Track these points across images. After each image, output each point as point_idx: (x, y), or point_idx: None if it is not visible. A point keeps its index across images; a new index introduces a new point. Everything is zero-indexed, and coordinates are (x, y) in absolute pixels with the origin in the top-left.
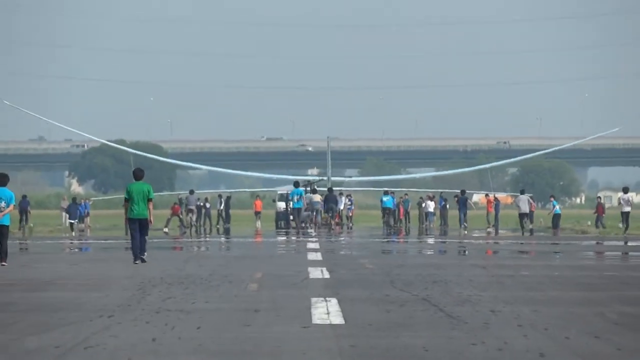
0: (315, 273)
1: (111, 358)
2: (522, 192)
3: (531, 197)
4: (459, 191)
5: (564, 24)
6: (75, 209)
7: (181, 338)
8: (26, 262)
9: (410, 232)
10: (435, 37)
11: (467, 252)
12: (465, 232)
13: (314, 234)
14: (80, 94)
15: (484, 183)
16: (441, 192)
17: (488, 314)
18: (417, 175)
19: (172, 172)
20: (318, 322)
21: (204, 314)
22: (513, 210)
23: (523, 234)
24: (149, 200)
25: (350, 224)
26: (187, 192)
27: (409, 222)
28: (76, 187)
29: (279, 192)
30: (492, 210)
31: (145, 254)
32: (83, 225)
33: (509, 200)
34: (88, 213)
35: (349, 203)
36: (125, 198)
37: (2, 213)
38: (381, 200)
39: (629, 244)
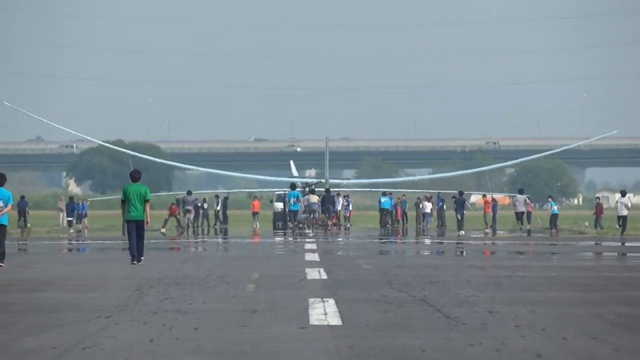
0: (313, 274)
1: (109, 358)
2: (521, 192)
3: (529, 198)
4: (456, 192)
5: (564, 24)
6: (72, 208)
7: (179, 339)
8: (24, 262)
9: (408, 232)
10: (434, 38)
11: (464, 252)
12: (462, 232)
13: (311, 235)
14: (78, 94)
15: (481, 184)
16: (438, 193)
17: (486, 314)
18: (416, 178)
19: (170, 173)
20: (315, 322)
21: (201, 315)
22: (511, 211)
23: (521, 229)
24: (146, 201)
25: (348, 225)
26: (185, 192)
27: (406, 222)
28: (74, 188)
29: (276, 193)
30: (490, 211)
31: (142, 258)
32: (80, 226)
33: (507, 200)
34: (86, 214)
35: (346, 204)
36: (122, 199)
37: (0, 213)
38: (379, 201)
39: (626, 244)
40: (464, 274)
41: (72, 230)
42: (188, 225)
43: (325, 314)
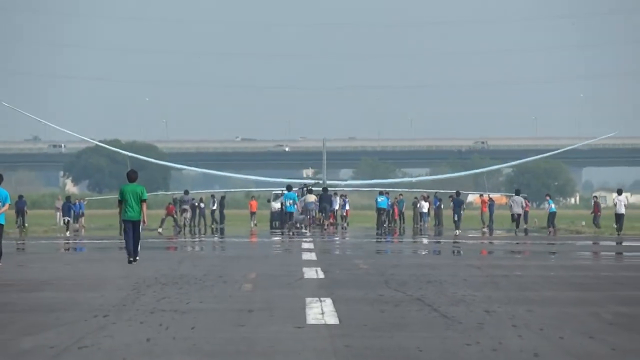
0: (310, 273)
1: (106, 358)
2: (517, 193)
3: (526, 198)
4: (453, 192)
5: (561, 23)
6: (69, 207)
7: (175, 338)
8: (22, 262)
9: (405, 232)
10: (432, 37)
11: (461, 252)
12: (459, 232)
13: (308, 234)
14: (76, 93)
15: (479, 183)
16: (435, 193)
17: (482, 314)
18: (415, 179)
19: (167, 172)
20: (312, 322)
21: (198, 314)
22: (507, 211)
23: (516, 233)
24: (143, 201)
25: (345, 224)
26: (182, 192)
27: (403, 222)
28: (71, 187)
29: (273, 192)
30: (487, 211)
31: (138, 258)
32: (78, 225)
33: (504, 200)
34: (83, 213)
35: (343, 203)
36: (119, 200)
37: None
38: (376, 201)
39: (623, 244)
40: (461, 274)
41: (68, 233)
42: (185, 225)
43: (323, 313)
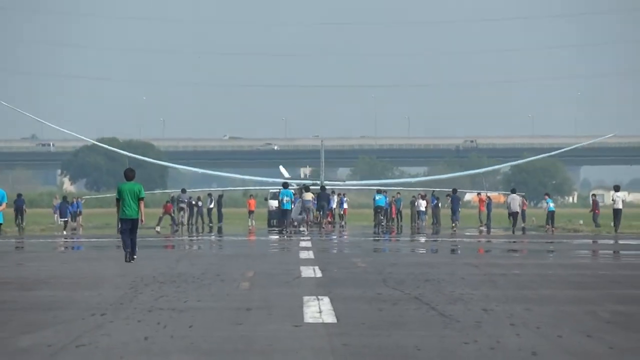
0: (308, 272)
1: (103, 357)
2: (513, 191)
3: (523, 197)
4: (450, 190)
5: (560, 23)
6: (66, 208)
7: (173, 337)
8: (20, 260)
9: (403, 230)
10: (429, 36)
11: (459, 250)
12: (456, 230)
13: (306, 233)
14: (74, 92)
15: (476, 182)
16: (433, 191)
17: (480, 312)
18: (414, 180)
19: (164, 171)
20: (310, 320)
21: (196, 313)
22: (505, 210)
23: (514, 232)
24: (140, 199)
25: (343, 223)
26: (179, 190)
27: (401, 220)
28: (68, 186)
29: (270, 191)
30: (484, 209)
31: (135, 256)
32: (75, 224)
33: (501, 199)
34: (80, 212)
35: (340, 201)
36: (117, 198)
37: None
38: (374, 199)
39: (621, 242)
40: (459, 272)
41: (65, 232)
42: (182, 223)
43: (320, 312)
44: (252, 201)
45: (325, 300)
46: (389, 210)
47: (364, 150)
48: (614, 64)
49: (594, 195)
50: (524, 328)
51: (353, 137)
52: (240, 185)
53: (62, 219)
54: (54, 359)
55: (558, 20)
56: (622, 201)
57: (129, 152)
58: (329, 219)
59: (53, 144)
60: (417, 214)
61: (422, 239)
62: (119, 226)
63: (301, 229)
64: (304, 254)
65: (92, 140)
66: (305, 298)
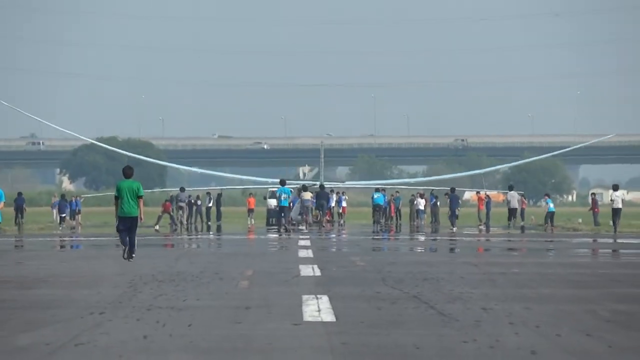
0: (307, 270)
1: (102, 355)
2: (511, 188)
3: (522, 195)
4: (449, 189)
5: (561, 22)
6: (64, 205)
7: (172, 335)
8: (19, 259)
9: (402, 229)
10: (428, 35)
11: (458, 249)
12: (455, 228)
13: (305, 231)
14: (73, 90)
15: (475, 180)
16: (432, 190)
17: (479, 311)
18: (413, 180)
19: (163, 169)
20: (309, 319)
21: (194, 311)
22: (504, 208)
23: (509, 225)
24: (139, 197)
25: (342, 221)
26: (178, 189)
27: (400, 219)
28: (67, 185)
29: (269, 190)
30: (484, 208)
31: (134, 255)
32: (74, 223)
33: (500, 197)
34: (79, 210)
35: (339, 199)
36: (115, 196)
37: None
38: (372, 197)
39: (620, 241)
40: (458, 271)
41: (61, 228)
42: (181, 222)
43: (319, 310)
44: (252, 199)
45: (324, 299)
46: (387, 209)
47: (363, 149)
48: (613, 63)
49: (593, 194)
50: (523, 327)
51: (352, 136)
52: (239, 185)
53: (60, 215)
54: (52, 357)
55: (558, 19)
56: (622, 200)
57: (128, 150)
58: (328, 218)
59: (43, 142)
60: (416, 213)
61: (421, 238)
62: (118, 224)
63: (300, 227)
64: (303, 253)
65: (90, 140)
66: (304, 297)
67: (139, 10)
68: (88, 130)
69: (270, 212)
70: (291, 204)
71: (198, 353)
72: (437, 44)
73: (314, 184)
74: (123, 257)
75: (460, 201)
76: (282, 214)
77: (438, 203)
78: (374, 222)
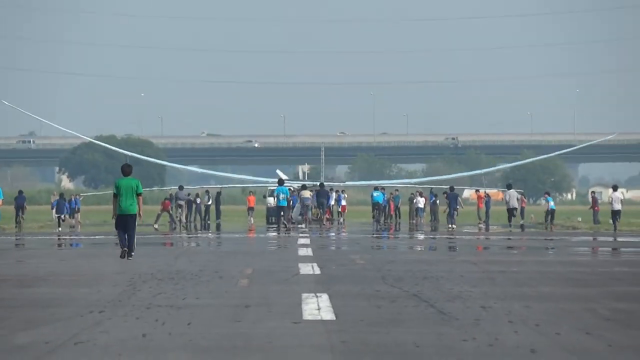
0: (306, 269)
1: (101, 354)
2: (509, 187)
3: (522, 194)
4: (448, 187)
5: (559, 21)
6: (63, 204)
7: (171, 334)
8: (18, 257)
9: (401, 228)
10: (428, 33)
11: (457, 248)
12: (453, 227)
13: (304, 230)
14: (73, 89)
15: (474, 179)
16: (431, 188)
17: (479, 310)
18: (413, 180)
19: (162, 168)
20: (309, 317)
21: (194, 310)
22: (504, 207)
23: (510, 225)
24: (138, 195)
25: (341, 219)
26: (177, 187)
27: (399, 217)
28: (66, 183)
29: (269, 188)
30: (483, 206)
31: (133, 253)
32: (73, 221)
33: (500, 196)
34: (79, 209)
35: (338, 198)
36: (114, 194)
37: None
38: (371, 196)
39: (620, 240)
40: (457, 269)
41: (60, 229)
42: (180, 221)
43: (319, 309)
44: (252, 197)
45: (324, 297)
46: (387, 207)
47: (361, 148)
48: (613, 62)
49: (593, 192)
50: (523, 325)
51: (352, 134)
52: (239, 182)
53: (57, 214)
54: (52, 356)
55: (558, 17)
56: (621, 201)
57: (127, 149)
58: (327, 216)
59: (34, 141)
60: (415, 211)
61: (421, 236)
62: (116, 222)
63: (299, 226)
64: (302, 251)
65: (88, 138)
66: (304, 295)
67: (139, 10)
68: (88, 129)
69: (270, 211)
70: (291, 203)
71: (197, 351)
72: (437, 44)
73: (314, 184)
74: (120, 257)
75: (460, 199)
76: (281, 214)
77: (437, 202)
78: (373, 220)
